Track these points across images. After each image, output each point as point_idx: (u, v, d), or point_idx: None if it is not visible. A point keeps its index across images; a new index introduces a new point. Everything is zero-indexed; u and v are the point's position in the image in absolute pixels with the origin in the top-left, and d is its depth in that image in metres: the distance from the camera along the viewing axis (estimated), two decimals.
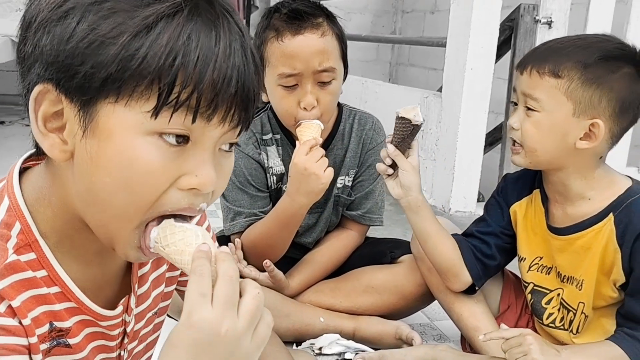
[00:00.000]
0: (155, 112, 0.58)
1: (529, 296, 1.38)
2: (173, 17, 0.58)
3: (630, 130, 1.29)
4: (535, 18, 2.75)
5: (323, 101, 1.41)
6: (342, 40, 1.45)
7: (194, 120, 0.59)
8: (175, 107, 0.58)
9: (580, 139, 1.20)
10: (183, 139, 0.61)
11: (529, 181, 1.39)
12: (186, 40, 0.58)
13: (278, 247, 1.51)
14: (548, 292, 1.35)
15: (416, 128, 1.31)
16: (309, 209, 1.46)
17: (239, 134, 0.65)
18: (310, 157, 1.35)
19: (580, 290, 1.27)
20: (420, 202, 1.35)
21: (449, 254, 1.37)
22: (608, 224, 1.22)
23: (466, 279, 1.38)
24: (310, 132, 1.39)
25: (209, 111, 0.60)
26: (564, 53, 1.19)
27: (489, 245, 1.39)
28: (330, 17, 1.44)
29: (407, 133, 1.31)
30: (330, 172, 1.37)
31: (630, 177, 1.28)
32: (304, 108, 1.40)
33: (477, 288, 1.40)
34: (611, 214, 1.22)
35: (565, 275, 1.31)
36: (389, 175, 1.37)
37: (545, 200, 1.34)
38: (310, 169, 1.35)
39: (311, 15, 1.40)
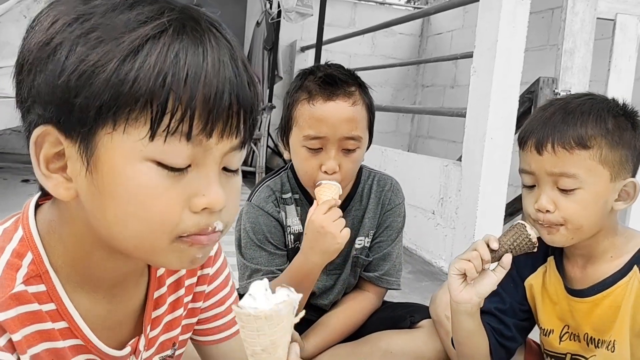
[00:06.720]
0: (152, 135, 0.58)
1: None
2: (159, 38, 0.58)
3: None
4: (554, 91, 2.78)
5: (345, 168, 1.42)
6: (371, 110, 1.47)
7: (189, 139, 0.59)
8: (169, 128, 0.58)
9: (616, 200, 1.18)
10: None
11: (542, 250, 1.33)
12: (174, 59, 0.58)
13: None
14: (585, 359, 1.29)
15: (531, 249, 1.22)
16: (324, 269, 1.44)
17: (242, 147, 0.65)
18: (327, 216, 1.34)
19: (613, 352, 1.22)
20: (478, 307, 1.24)
21: (481, 348, 1.31)
22: (634, 277, 1.18)
23: None
24: (330, 192, 1.38)
25: (206, 129, 0.59)
26: (578, 122, 1.15)
27: (508, 327, 1.34)
28: (362, 87, 1.46)
29: (522, 249, 1.20)
30: (347, 232, 1.35)
31: None
32: (325, 172, 1.41)
33: None
34: (635, 267, 1.19)
35: (595, 339, 1.25)
36: (462, 275, 1.19)
37: (560, 265, 1.31)
38: (327, 228, 1.33)
39: (345, 83, 1.42)
